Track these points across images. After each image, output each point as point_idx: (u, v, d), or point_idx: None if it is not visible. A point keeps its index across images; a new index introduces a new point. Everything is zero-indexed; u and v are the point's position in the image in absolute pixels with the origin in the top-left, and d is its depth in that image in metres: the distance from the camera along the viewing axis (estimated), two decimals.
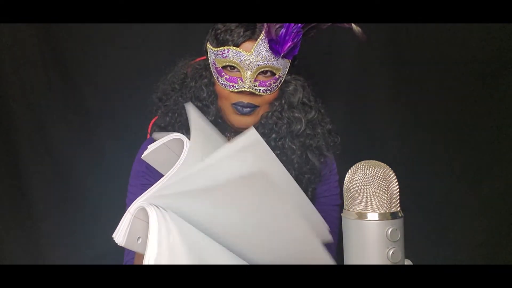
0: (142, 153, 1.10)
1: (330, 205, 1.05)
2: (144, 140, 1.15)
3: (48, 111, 1.45)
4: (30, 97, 1.44)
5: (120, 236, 0.65)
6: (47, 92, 1.44)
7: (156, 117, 1.11)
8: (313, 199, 1.02)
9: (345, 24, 0.99)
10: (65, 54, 1.44)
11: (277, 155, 0.99)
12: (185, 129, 1.00)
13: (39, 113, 1.45)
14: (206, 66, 1.03)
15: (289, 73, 1.01)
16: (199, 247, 0.69)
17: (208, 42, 1.00)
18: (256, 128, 1.02)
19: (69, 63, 1.44)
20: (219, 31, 0.97)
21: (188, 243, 0.66)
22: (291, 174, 0.97)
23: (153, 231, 0.61)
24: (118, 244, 0.65)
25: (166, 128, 1.03)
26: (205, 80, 1.02)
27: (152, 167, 1.07)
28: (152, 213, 0.63)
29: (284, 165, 0.98)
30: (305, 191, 1.01)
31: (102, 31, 1.41)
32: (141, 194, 1.05)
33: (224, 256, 0.72)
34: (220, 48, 0.96)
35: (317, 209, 1.02)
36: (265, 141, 0.99)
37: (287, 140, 1.00)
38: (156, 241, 0.60)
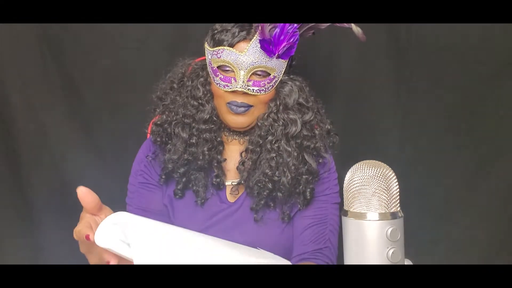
0: (142, 153, 1.11)
1: (331, 203, 1.05)
2: (144, 140, 1.16)
3: (48, 111, 1.45)
4: (30, 97, 1.44)
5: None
6: (47, 92, 1.45)
7: (154, 118, 1.12)
8: (312, 199, 1.03)
9: (344, 24, 0.99)
10: (65, 54, 1.44)
11: (273, 157, 0.99)
12: (181, 127, 1.02)
13: (39, 113, 1.45)
14: (203, 66, 1.04)
15: (286, 73, 1.01)
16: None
17: (206, 42, 1.01)
18: (253, 130, 1.03)
19: (69, 63, 1.44)
20: (215, 31, 0.98)
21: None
22: (286, 177, 0.98)
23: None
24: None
25: (163, 125, 1.04)
26: (201, 79, 1.03)
27: (151, 166, 1.08)
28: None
29: (280, 167, 0.99)
30: (304, 192, 1.01)
31: (102, 31, 1.41)
32: (140, 193, 1.06)
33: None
34: (216, 48, 0.96)
35: (318, 207, 1.04)
36: (262, 144, 1.01)
37: (282, 142, 1.00)
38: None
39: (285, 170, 0.98)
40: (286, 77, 1.01)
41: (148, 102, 1.11)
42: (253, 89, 0.97)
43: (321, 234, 1.02)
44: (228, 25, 0.96)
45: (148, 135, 1.19)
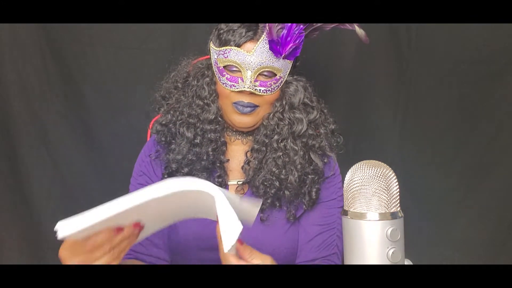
0: (144, 153, 1.10)
1: (336, 208, 1.04)
2: (145, 139, 1.16)
3: (48, 111, 1.45)
4: (30, 97, 1.44)
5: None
6: (47, 92, 1.45)
7: (157, 117, 1.12)
8: (317, 200, 1.02)
9: (348, 26, 0.99)
10: (65, 54, 1.44)
11: (279, 156, 0.99)
12: (186, 127, 1.01)
13: (39, 113, 1.45)
14: (209, 65, 1.04)
15: (290, 74, 1.01)
16: None
17: (211, 41, 1.01)
18: (258, 130, 1.03)
19: (69, 63, 1.44)
20: (221, 31, 0.98)
21: None
22: (294, 176, 0.98)
23: None
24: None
25: (168, 125, 1.03)
26: (207, 79, 1.03)
27: (151, 168, 1.07)
28: None
29: (287, 166, 0.99)
30: (309, 192, 1.01)
31: (102, 31, 1.41)
32: None
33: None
34: (222, 48, 0.96)
35: (326, 213, 1.03)
36: (268, 143, 1.01)
37: (289, 141, 1.00)
38: None
39: (292, 168, 0.98)
40: (291, 78, 1.02)
41: (149, 102, 1.11)
42: (260, 89, 0.97)
43: (330, 240, 1.02)
44: (234, 25, 0.96)
45: (149, 133, 1.19)
